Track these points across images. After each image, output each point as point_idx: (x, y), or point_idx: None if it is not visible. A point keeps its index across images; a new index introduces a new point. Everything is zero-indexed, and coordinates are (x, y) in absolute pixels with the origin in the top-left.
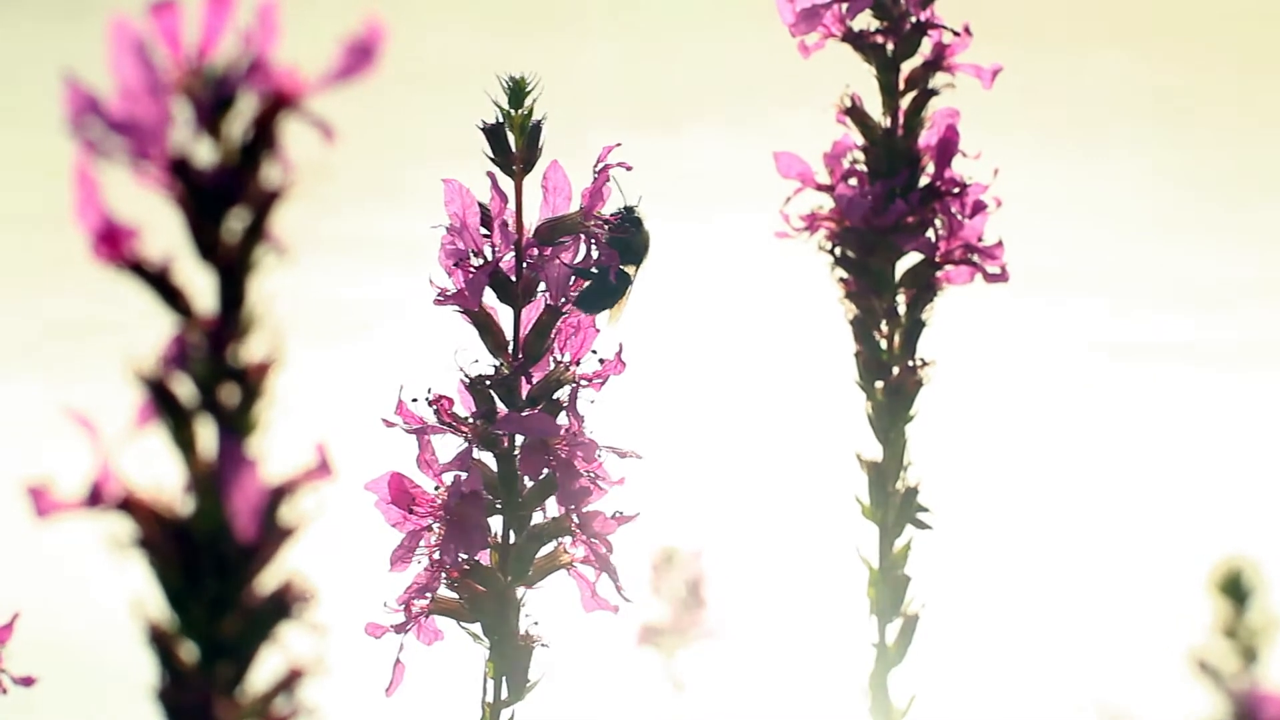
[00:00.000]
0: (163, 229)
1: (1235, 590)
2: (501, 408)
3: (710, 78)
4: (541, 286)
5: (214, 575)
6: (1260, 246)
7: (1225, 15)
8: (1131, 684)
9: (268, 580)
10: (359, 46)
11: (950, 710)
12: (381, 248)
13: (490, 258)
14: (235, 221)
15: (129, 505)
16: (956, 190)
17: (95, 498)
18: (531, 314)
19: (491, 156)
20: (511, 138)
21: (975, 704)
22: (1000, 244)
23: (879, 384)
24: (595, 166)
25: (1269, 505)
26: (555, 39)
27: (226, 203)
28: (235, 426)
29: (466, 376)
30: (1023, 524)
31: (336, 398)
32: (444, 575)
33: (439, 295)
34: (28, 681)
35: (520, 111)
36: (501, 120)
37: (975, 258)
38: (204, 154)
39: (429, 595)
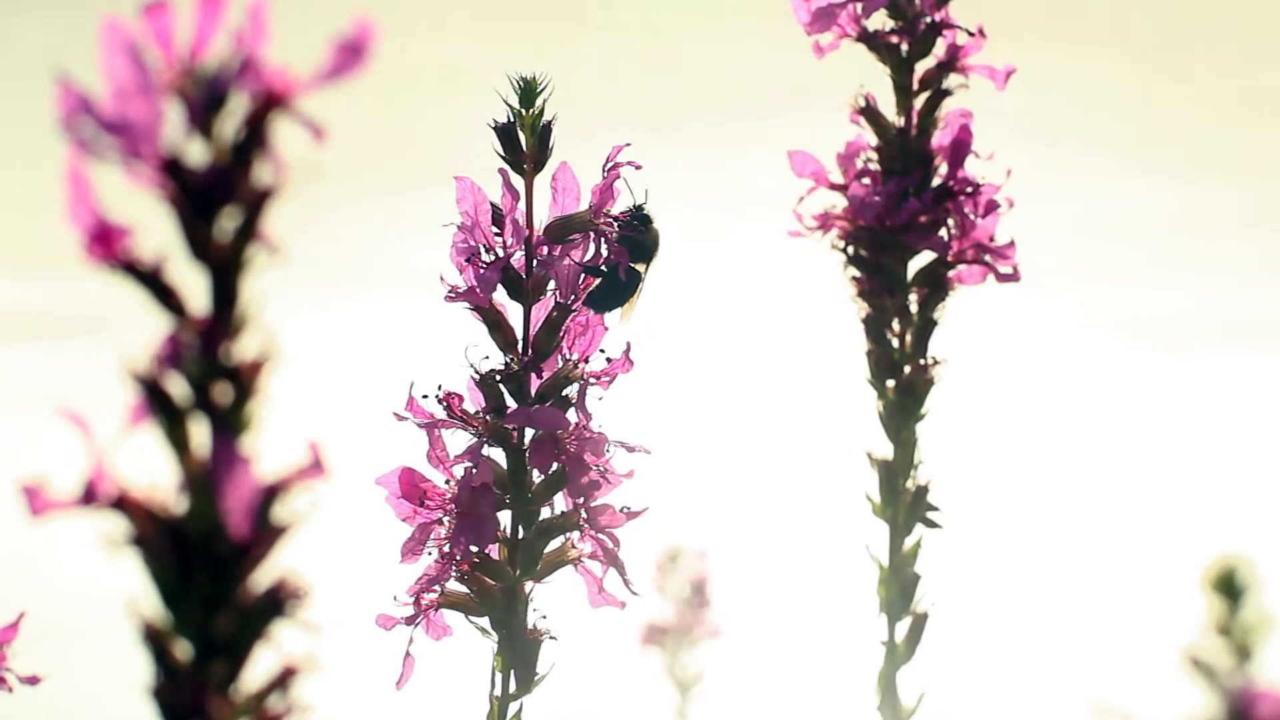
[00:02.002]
0: (155, 229)
1: (1229, 588)
2: (511, 403)
3: (723, 77)
4: (551, 284)
5: (208, 573)
6: (1268, 249)
7: (1232, 16)
8: (1127, 681)
9: (261, 578)
10: (349, 45)
11: (959, 709)
12: (395, 247)
13: (501, 255)
14: (227, 221)
15: (123, 504)
16: (969, 190)
17: (89, 497)
18: (541, 311)
19: (503, 155)
20: (523, 137)
21: (984, 702)
22: (1012, 244)
23: (890, 383)
24: (605, 165)
25: (1264, 503)
26: (567, 38)
27: (218, 202)
28: (228, 425)
29: (477, 372)
30: (1032, 523)
31: (347, 393)
32: (454, 568)
33: (450, 292)
34: (33, 680)
35: (532, 111)
36: (513, 119)
37: (988, 258)
38: (196, 154)
39: (439, 588)
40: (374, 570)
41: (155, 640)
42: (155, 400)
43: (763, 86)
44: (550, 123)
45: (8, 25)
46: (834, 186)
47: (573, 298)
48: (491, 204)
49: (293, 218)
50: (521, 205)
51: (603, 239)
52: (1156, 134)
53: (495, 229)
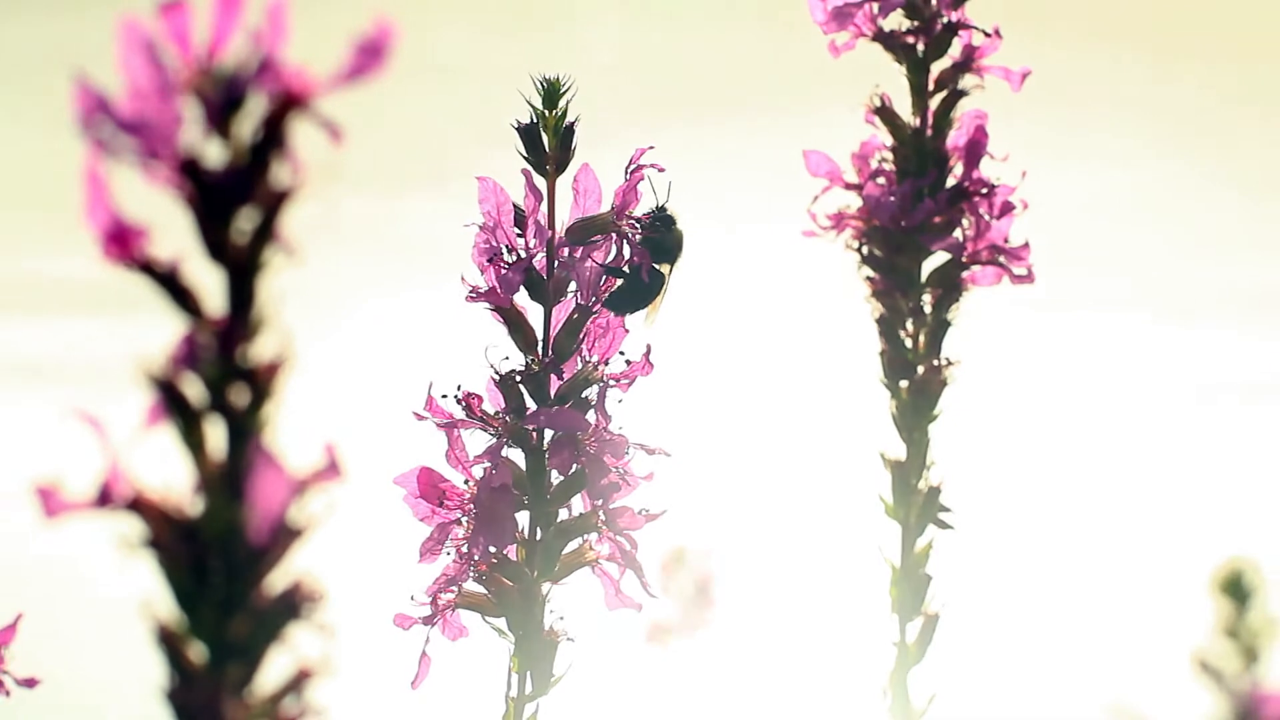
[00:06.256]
0: (172, 229)
1: (1237, 591)
2: (531, 404)
3: (739, 77)
4: (572, 286)
5: (223, 576)
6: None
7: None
8: (1137, 683)
9: (277, 581)
10: (369, 46)
11: (970, 710)
12: (415, 243)
13: (523, 256)
14: (244, 221)
15: (138, 506)
16: (984, 191)
17: (104, 498)
18: (562, 313)
19: (525, 156)
20: (545, 138)
21: (996, 704)
22: (1027, 245)
23: (903, 383)
24: (628, 167)
25: (1270, 506)
26: (584, 37)
27: (236, 203)
28: (244, 427)
29: (496, 373)
30: (1044, 524)
31: (367, 392)
32: (472, 568)
33: (471, 292)
34: (30, 683)
35: (554, 112)
36: (536, 120)
37: (1002, 259)
38: (213, 154)
39: (456, 588)
40: (390, 569)
41: (170, 643)
42: (171, 401)
43: (778, 85)
44: (573, 124)
45: (23, 25)
46: (849, 186)
47: (594, 299)
48: (514, 204)
49: (316, 214)
50: (544, 206)
51: (625, 240)
52: (1174, 127)
53: (517, 230)
